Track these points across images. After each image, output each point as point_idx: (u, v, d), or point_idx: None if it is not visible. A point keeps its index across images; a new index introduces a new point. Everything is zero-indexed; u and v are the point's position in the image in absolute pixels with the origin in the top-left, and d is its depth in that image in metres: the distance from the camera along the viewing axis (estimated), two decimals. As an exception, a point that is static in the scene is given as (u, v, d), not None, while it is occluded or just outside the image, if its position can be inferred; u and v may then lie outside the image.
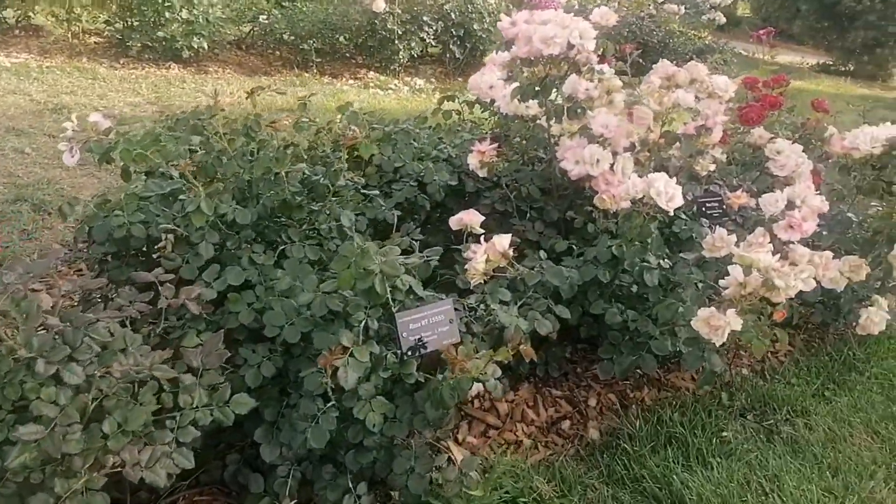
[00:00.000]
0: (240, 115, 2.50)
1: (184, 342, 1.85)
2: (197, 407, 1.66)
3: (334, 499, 1.81)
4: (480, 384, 1.77)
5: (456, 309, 1.97)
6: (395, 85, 7.28)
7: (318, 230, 2.40)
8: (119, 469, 1.43)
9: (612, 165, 2.60)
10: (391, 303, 1.89)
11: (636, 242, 2.34)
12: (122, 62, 6.73)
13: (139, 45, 6.69)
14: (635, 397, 2.55)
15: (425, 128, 3.26)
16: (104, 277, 2.42)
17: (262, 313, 1.94)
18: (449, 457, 2.05)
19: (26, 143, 4.56)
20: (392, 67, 7.54)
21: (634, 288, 2.34)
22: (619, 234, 2.58)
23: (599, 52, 2.88)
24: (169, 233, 2.12)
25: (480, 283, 2.20)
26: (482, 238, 2.22)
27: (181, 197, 2.20)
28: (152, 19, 6.51)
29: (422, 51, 7.71)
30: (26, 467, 1.38)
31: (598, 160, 2.58)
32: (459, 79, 7.78)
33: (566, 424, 2.41)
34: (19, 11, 6.89)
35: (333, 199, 2.36)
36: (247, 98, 2.48)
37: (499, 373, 1.75)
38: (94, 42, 7.15)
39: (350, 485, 1.81)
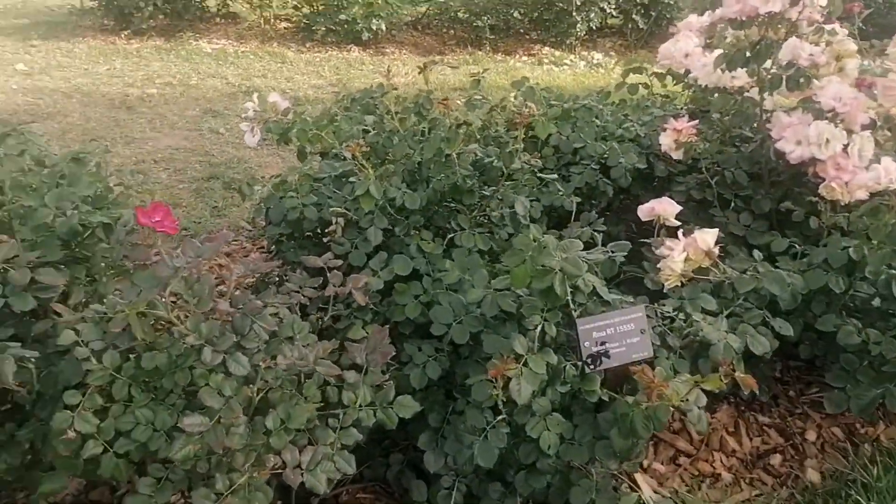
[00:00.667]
0: (412, 95, 2.38)
1: (350, 333, 1.75)
2: (360, 406, 1.55)
3: (502, 521, 1.63)
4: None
5: (648, 317, 1.68)
6: (571, 60, 6.90)
7: (488, 217, 2.22)
8: (279, 471, 1.36)
9: (845, 147, 2.13)
10: (571, 306, 1.65)
11: (882, 244, 1.87)
12: (307, 46, 7.06)
13: (323, 28, 6.96)
14: (867, 434, 2.08)
15: (608, 104, 2.94)
16: (280, 258, 2.44)
17: (430, 307, 1.80)
18: (634, 490, 1.78)
19: (221, 124, 4.89)
20: (568, 42, 7.16)
21: (877, 301, 1.87)
22: (853, 231, 2.10)
23: (825, 12, 2.38)
24: (339, 216, 2.05)
25: (676, 286, 1.88)
26: (680, 232, 1.90)
27: (352, 179, 2.12)
28: (335, 3, 6.73)
29: (601, 22, 7.23)
30: (191, 458, 1.35)
31: (827, 140, 2.12)
32: (642, 51, 7.20)
33: (776, 460, 2.02)
34: (220, 0, 7.47)
35: (507, 183, 2.15)
36: (419, 73, 2.34)
37: (704, 401, 1.44)
38: (284, 27, 7.58)
39: (520, 509, 1.62)
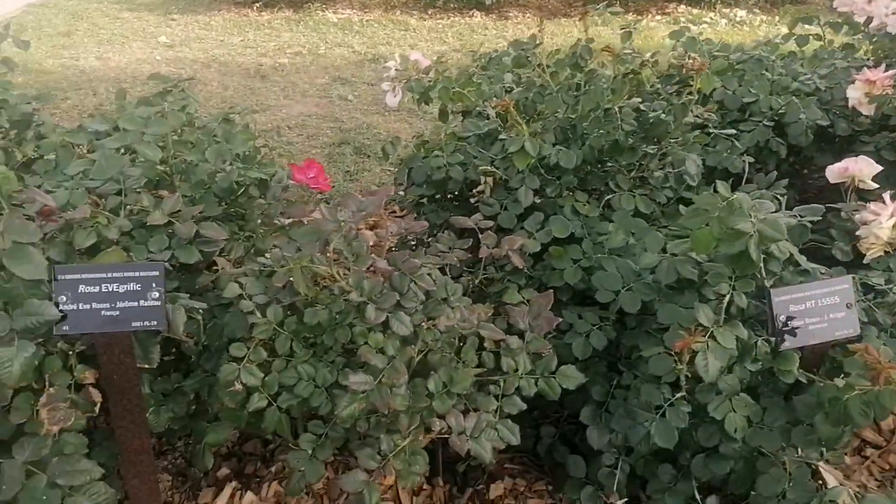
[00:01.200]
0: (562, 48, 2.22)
1: (505, 297, 1.65)
2: (521, 374, 1.45)
3: (673, 506, 1.48)
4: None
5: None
6: (711, 18, 6.38)
7: (647, 178, 2.03)
8: (445, 435, 1.28)
9: None
10: (763, 274, 1.45)
11: None
12: (429, 13, 6.98)
13: (445, -6, 6.85)
14: None
15: (777, 57, 2.62)
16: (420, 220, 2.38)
17: (591, 272, 1.66)
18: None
19: (349, 91, 4.92)
20: (706, -2, 6.62)
21: None
22: None
23: None
24: (488, 176, 1.94)
25: (879, 255, 1.63)
26: (887, 195, 1.63)
27: (501, 137, 1.99)
28: (457, -33, 6.59)
29: (743, -25, 6.62)
30: (354, 417, 1.30)
31: None
32: (791, 6, 6.53)
33: None
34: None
35: (672, 140, 1.95)
36: (539, 31, 2.18)
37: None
38: (406, -5, 7.55)
39: (696, 494, 1.46)
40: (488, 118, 2.27)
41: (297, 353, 1.43)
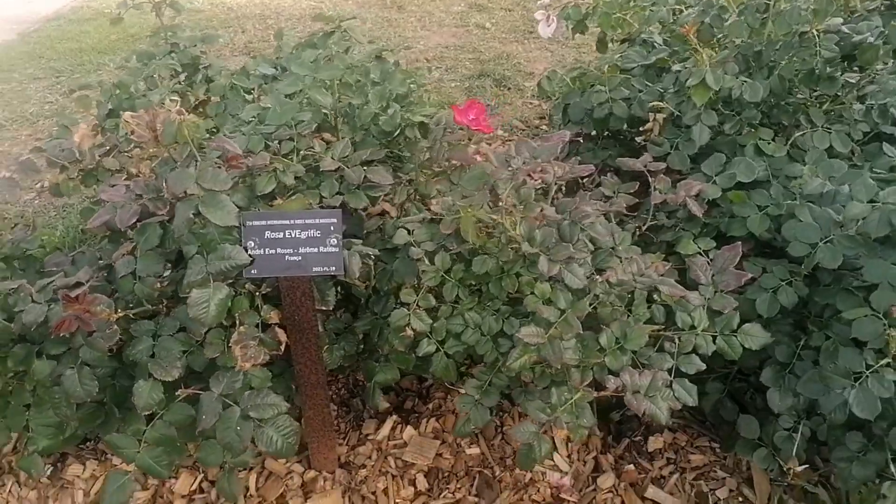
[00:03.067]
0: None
1: (679, 247, 1.55)
2: (698, 331, 1.36)
3: (862, 476, 1.36)
4: None
5: None
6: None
7: (842, 112, 1.79)
8: (620, 393, 1.24)
9: None
10: None
11: None
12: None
13: None
14: None
15: None
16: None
17: (779, 221, 1.50)
18: None
19: (486, 19, 4.76)
20: None
21: None
22: None
23: None
24: (658, 112, 1.79)
25: None
26: None
27: (674, 68, 1.82)
28: None
29: None
30: (526, 369, 1.28)
31: None
32: None
33: None
34: None
35: (880, 68, 1.69)
36: None
37: None
38: None
39: (892, 467, 1.32)
40: (654, 46, 2.09)
41: (462, 300, 1.42)
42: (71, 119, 2.02)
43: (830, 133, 1.68)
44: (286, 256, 1.33)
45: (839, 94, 1.76)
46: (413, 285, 1.43)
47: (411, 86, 2.25)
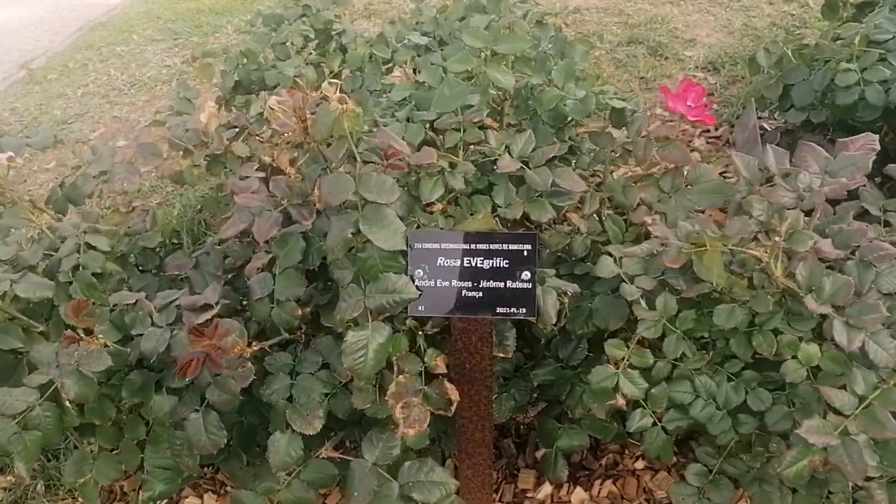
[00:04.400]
0: None
1: None
2: None
3: None
4: None
5: None
6: None
7: None
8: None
9: None
10: None
11: None
12: None
13: None
14: None
15: None
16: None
17: None
18: None
19: (631, -24, 4.22)
20: None
21: None
22: None
23: None
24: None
25: None
26: None
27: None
28: None
29: None
30: (803, 477, 0.91)
31: None
32: None
33: None
34: None
35: None
36: None
37: None
38: None
39: None
40: (914, 11, 1.59)
41: (686, 357, 1.06)
42: (192, 91, 1.80)
43: None
44: (463, 291, 1.02)
45: None
46: (621, 333, 1.08)
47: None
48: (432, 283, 1.01)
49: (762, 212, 1.00)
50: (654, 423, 1.06)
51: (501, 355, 1.09)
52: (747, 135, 2.34)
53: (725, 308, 1.00)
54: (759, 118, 2.23)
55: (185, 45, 3.97)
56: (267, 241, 1.09)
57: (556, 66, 1.36)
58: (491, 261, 1.00)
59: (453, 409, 1.03)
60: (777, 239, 0.96)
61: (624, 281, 1.06)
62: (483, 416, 1.14)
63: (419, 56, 1.56)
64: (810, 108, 1.59)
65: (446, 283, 1.01)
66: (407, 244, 1.00)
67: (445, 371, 1.06)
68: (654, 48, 3.26)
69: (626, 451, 1.48)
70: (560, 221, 1.36)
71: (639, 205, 1.23)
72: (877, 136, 0.98)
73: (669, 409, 1.05)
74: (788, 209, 1.01)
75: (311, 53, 1.99)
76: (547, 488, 1.43)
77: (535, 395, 1.26)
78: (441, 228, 1.19)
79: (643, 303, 1.04)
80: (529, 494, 1.44)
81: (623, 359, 1.05)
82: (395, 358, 1.05)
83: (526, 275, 1.00)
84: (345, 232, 0.97)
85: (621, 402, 1.02)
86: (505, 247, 1.00)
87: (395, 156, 1.07)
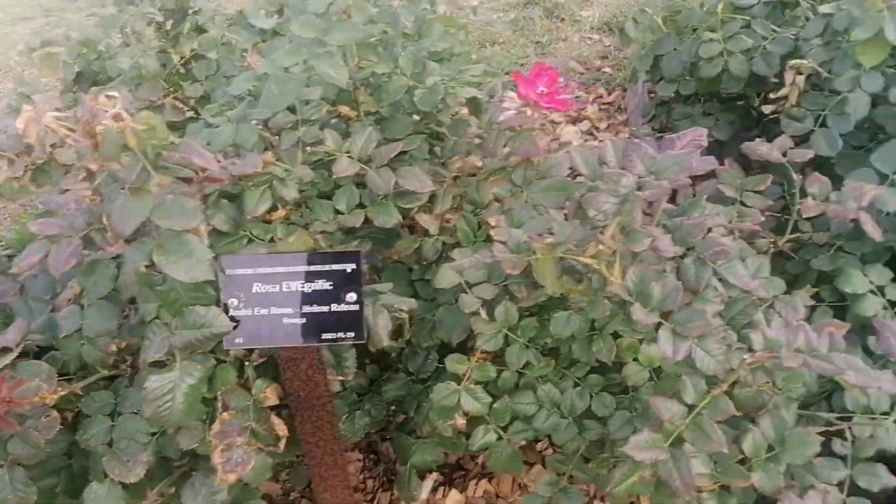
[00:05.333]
0: None
1: (842, 281, 1.10)
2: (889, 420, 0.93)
3: None
4: None
5: None
6: None
7: None
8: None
9: None
10: None
11: None
12: None
13: None
14: None
15: None
16: (656, 126, 1.80)
17: None
18: None
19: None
20: None
21: None
22: None
23: None
24: (797, 73, 1.30)
25: None
26: None
27: (824, 9, 1.31)
28: None
29: None
30: (632, 492, 0.88)
31: None
32: None
33: None
34: None
35: None
36: None
37: None
38: None
39: None
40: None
41: (532, 366, 1.01)
42: (32, 86, 1.62)
43: None
44: (284, 318, 0.93)
45: None
46: (463, 345, 1.02)
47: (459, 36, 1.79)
48: (249, 311, 0.92)
49: (596, 212, 0.95)
50: (500, 437, 1.01)
51: (341, 378, 1.02)
52: (637, 100, 2.30)
53: (562, 315, 0.95)
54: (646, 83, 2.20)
55: (61, 24, 3.64)
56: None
57: (405, 52, 1.27)
58: (312, 284, 0.92)
59: (282, 445, 0.96)
60: (601, 247, 0.91)
61: (465, 291, 1.00)
62: (329, 440, 1.07)
63: (263, 42, 1.43)
64: (681, 79, 1.55)
65: (265, 311, 0.92)
66: (219, 269, 0.91)
67: (277, 402, 0.99)
68: (550, 9, 3.18)
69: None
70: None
71: (490, 202, 1.17)
72: (705, 131, 0.93)
73: (514, 420, 1.01)
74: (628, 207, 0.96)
75: (165, 37, 1.82)
76: (423, 492, 1.39)
77: (392, 408, 1.20)
78: (280, 239, 1.10)
79: (483, 313, 0.99)
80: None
81: (465, 374, 0.99)
82: (219, 393, 0.97)
83: (351, 296, 0.92)
84: (139, 263, 0.87)
85: (461, 421, 0.97)
86: (326, 267, 0.92)
87: (207, 176, 0.96)
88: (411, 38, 1.39)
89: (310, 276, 0.92)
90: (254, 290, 0.92)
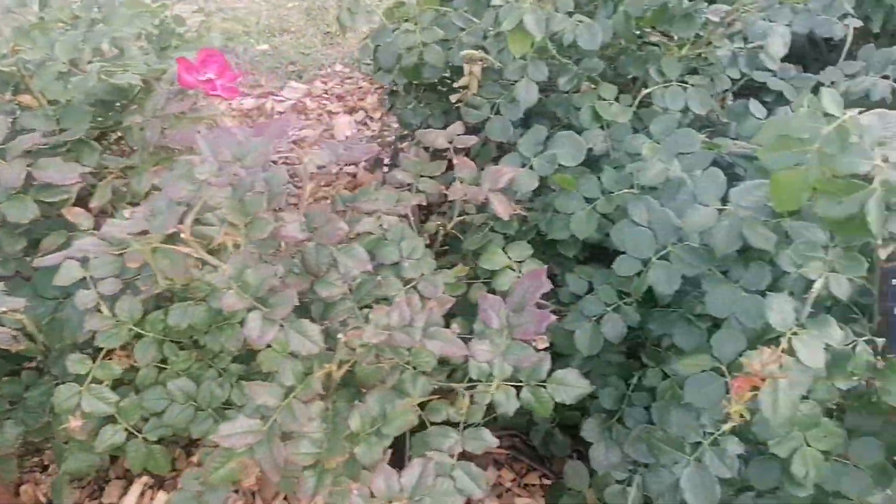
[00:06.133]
0: None
1: (483, 259, 1.16)
2: (495, 385, 1.00)
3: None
4: None
5: None
6: None
7: (706, 58, 1.42)
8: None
9: None
10: (878, 242, 0.92)
11: None
12: None
13: None
14: None
15: None
16: (395, 117, 1.83)
17: (611, 220, 1.14)
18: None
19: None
20: None
21: None
22: None
23: None
24: (472, 62, 1.36)
25: None
26: None
27: (495, 1, 1.38)
28: None
29: None
30: (234, 479, 0.89)
31: None
32: None
33: None
34: None
35: (749, 3, 1.32)
36: None
37: None
38: None
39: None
40: (483, -31, 1.62)
41: (171, 361, 1.00)
42: None
43: (686, 89, 1.32)
44: None
45: (701, 35, 1.38)
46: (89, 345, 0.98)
47: (194, 14, 1.74)
48: None
49: (222, 198, 0.94)
50: (134, 436, 0.99)
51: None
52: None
53: (180, 307, 0.94)
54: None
55: None
56: None
57: (63, 39, 1.20)
58: None
59: None
60: (225, 237, 0.90)
61: (86, 286, 0.96)
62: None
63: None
64: (392, 71, 1.58)
65: None
66: None
67: None
68: (346, -1, 3.16)
69: (220, 442, 1.43)
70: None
71: (148, 192, 1.13)
72: (377, 148, 0.95)
73: (150, 418, 0.99)
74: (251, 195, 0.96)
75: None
76: (132, 496, 1.34)
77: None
78: None
79: (105, 309, 0.95)
80: (112, 506, 1.34)
81: (88, 374, 0.96)
82: None
83: (-71, 300, 0.86)
84: None
85: (75, 423, 0.93)
86: None
87: None
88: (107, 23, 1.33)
89: None
90: None
